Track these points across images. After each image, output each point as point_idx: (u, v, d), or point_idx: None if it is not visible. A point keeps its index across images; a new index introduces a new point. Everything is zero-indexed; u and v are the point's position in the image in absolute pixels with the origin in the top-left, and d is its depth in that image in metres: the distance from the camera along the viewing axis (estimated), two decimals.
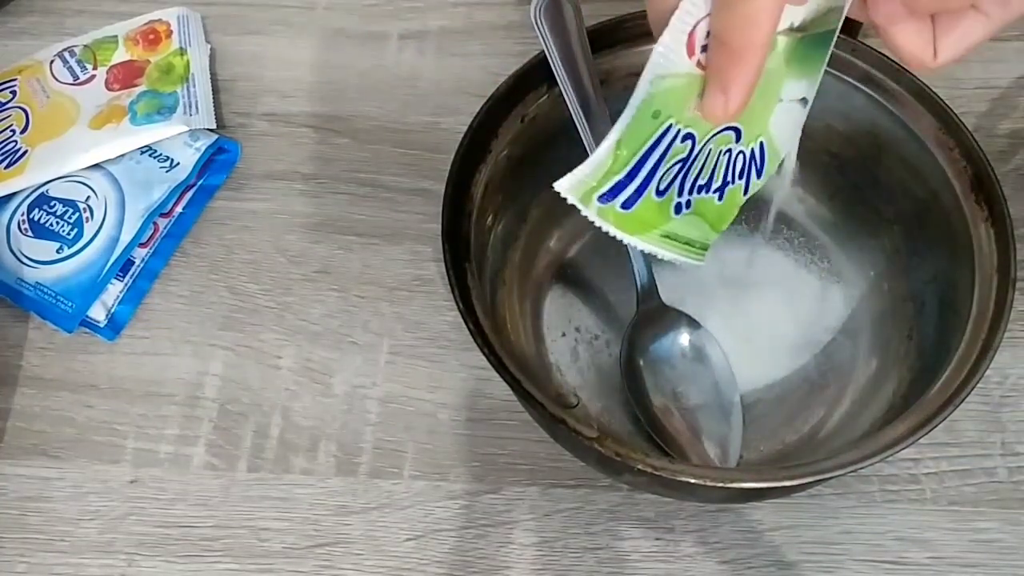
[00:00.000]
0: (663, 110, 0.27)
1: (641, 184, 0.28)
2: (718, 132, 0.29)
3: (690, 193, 0.31)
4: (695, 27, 0.25)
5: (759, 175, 0.32)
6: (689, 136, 0.28)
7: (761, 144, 0.31)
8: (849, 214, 0.43)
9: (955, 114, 0.37)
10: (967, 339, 0.34)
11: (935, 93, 0.38)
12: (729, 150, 0.31)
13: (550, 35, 0.36)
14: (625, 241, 0.29)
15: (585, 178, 0.27)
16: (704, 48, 0.26)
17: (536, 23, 0.36)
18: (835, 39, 0.29)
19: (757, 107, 0.29)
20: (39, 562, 0.39)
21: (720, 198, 0.32)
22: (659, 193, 0.29)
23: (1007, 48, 0.51)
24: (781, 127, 0.31)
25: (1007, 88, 0.50)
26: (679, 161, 0.29)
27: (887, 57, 0.38)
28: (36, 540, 0.40)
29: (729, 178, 0.32)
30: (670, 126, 0.28)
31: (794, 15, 0.27)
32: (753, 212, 0.43)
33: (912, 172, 0.39)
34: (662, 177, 0.29)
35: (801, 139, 0.41)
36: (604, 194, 0.28)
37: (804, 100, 0.31)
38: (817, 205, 0.44)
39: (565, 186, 0.27)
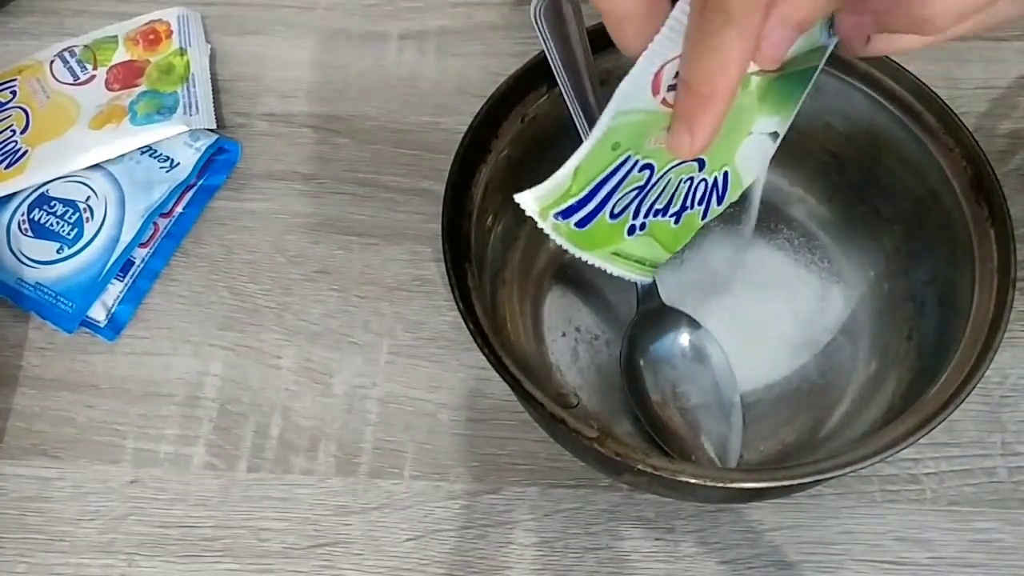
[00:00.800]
0: (623, 143, 0.28)
1: (596, 207, 0.30)
2: (680, 163, 0.30)
3: (646, 216, 0.32)
4: (662, 68, 0.26)
5: (719, 202, 0.33)
6: (648, 166, 0.29)
7: (725, 173, 0.32)
8: (849, 214, 0.43)
9: (955, 114, 0.37)
10: (967, 339, 0.34)
11: (935, 93, 0.38)
12: (691, 178, 0.31)
13: (550, 35, 0.36)
14: (576, 255, 0.31)
15: (544, 195, 0.28)
16: (671, 87, 0.27)
17: (536, 23, 0.36)
18: (815, 77, 0.29)
19: (724, 140, 0.30)
20: (39, 562, 0.39)
21: (676, 222, 0.33)
22: (613, 216, 0.30)
23: (1007, 48, 0.51)
24: (748, 158, 0.31)
25: (1007, 88, 0.50)
26: (636, 188, 0.30)
27: (887, 57, 0.38)
28: (36, 540, 0.40)
29: (688, 204, 0.32)
30: (628, 157, 0.29)
31: None
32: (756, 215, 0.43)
33: (912, 172, 0.39)
34: (617, 202, 0.30)
35: (801, 139, 0.41)
36: (560, 212, 0.29)
37: (775, 134, 0.31)
38: (817, 205, 0.44)
39: (524, 200, 0.28)
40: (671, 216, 0.32)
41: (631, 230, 0.32)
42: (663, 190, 0.31)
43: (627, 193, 0.30)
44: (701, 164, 0.31)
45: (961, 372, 0.33)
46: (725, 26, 0.24)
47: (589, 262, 0.32)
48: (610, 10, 0.26)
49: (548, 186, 0.28)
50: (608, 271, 0.32)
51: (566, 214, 0.29)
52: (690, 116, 0.26)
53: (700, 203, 0.32)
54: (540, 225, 0.29)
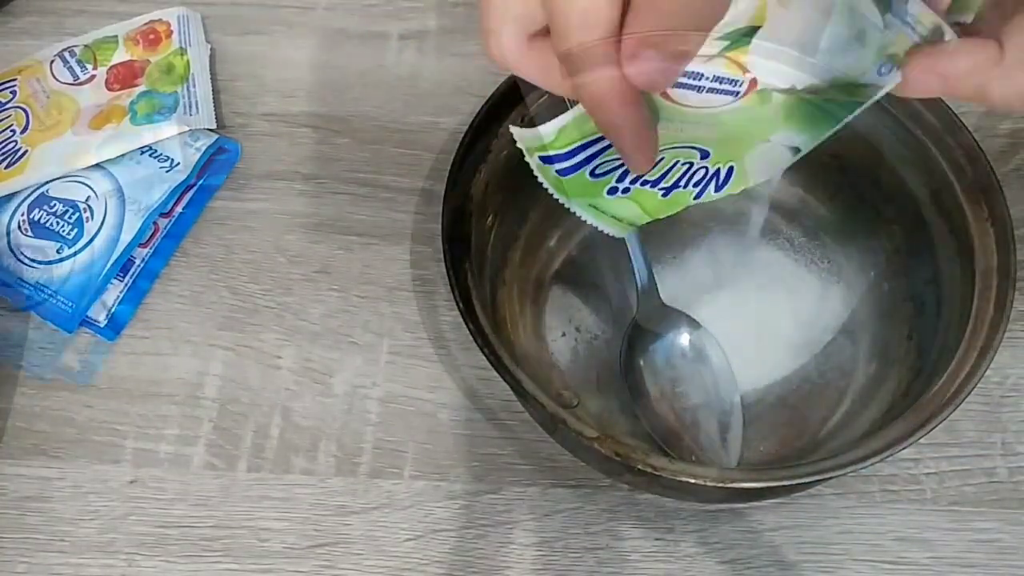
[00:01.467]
0: None
1: (577, 164, 0.30)
2: (677, 147, 0.30)
3: (631, 183, 0.32)
4: None
5: (717, 190, 0.33)
6: None
7: (730, 168, 0.32)
8: (849, 214, 0.43)
9: (955, 114, 0.37)
10: (967, 339, 0.34)
11: None
12: (690, 163, 0.31)
13: None
14: (555, 197, 0.31)
15: (532, 140, 0.30)
16: None
17: None
18: (859, 112, 0.28)
19: (730, 143, 0.30)
20: (39, 562, 0.39)
21: (665, 195, 0.33)
22: (593, 175, 0.31)
23: None
24: (760, 161, 0.31)
25: None
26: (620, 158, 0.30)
27: None
28: (36, 540, 0.40)
29: (682, 183, 0.32)
30: None
31: (795, 79, 0.27)
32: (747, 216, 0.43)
33: (912, 172, 0.39)
34: (599, 165, 0.31)
35: None
36: (543, 158, 0.30)
37: (796, 149, 0.31)
38: (817, 205, 0.44)
39: (517, 135, 0.30)
40: (660, 189, 0.33)
41: (612, 191, 0.32)
42: (655, 166, 0.31)
43: (611, 160, 0.30)
44: (704, 154, 0.31)
45: (961, 372, 0.33)
46: (577, 73, 0.24)
47: (570, 208, 0.32)
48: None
49: (534, 132, 0.30)
50: (584, 219, 0.33)
51: (549, 161, 0.30)
52: (614, 144, 0.27)
53: (696, 185, 0.32)
54: (528, 160, 0.30)
